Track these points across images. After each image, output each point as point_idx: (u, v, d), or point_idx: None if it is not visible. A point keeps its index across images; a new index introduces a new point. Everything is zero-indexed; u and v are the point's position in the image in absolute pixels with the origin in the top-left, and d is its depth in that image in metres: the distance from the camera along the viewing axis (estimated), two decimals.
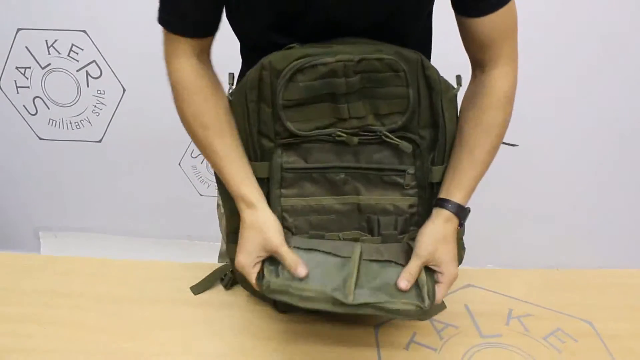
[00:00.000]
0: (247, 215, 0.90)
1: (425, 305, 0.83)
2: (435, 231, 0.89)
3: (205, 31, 0.91)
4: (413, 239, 0.91)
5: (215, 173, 0.95)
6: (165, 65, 0.92)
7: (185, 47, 0.89)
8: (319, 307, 0.82)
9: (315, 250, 0.90)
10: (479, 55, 0.92)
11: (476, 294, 1.09)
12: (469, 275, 1.13)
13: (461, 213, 0.90)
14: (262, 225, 0.88)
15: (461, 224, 0.92)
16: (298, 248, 0.90)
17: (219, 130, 0.90)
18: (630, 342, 0.98)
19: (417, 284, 0.86)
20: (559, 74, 1.83)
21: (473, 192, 0.92)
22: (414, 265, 0.87)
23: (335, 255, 0.89)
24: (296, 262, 0.85)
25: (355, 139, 0.89)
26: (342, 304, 0.80)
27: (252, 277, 0.89)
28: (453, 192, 0.90)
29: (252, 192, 0.90)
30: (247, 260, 0.88)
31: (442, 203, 0.90)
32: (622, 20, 1.76)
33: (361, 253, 0.89)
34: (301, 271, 0.84)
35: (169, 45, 0.90)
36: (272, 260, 0.89)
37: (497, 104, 0.90)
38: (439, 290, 0.88)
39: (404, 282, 0.85)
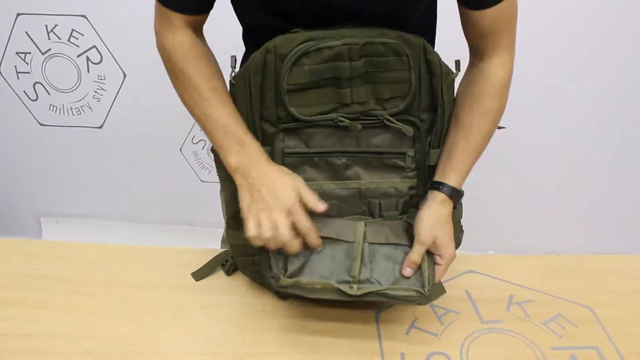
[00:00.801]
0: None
1: (425, 290, 0.86)
2: (433, 215, 0.90)
3: (202, 8, 0.91)
4: (412, 217, 0.93)
5: (215, 157, 0.95)
6: (157, 37, 0.92)
7: (180, 22, 0.89)
8: (325, 297, 0.85)
9: (322, 237, 0.91)
10: (478, 44, 0.92)
11: (477, 279, 1.09)
12: (470, 261, 1.13)
13: (455, 196, 0.92)
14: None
15: (455, 207, 0.93)
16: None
17: (226, 98, 0.90)
18: (631, 327, 0.98)
19: (419, 270, 0.89)
20: (561, 64, 1.82)
21: (467, 176, 0.94)
22: (417, 253, 0.88)
23: (340, 240, 0.90)
24: (315, 199, 0.86)
25: (359, 126, 0.89)
26: (346, 294, 0.84)
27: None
28: (448, 175, 0.92)
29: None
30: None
31: (437, 186, 0.91)
32: (622, 11, 1.75)
33: (365, 235, 0.91)
34: (320, 207, 0.86)
35: (163, 20, 0.90)
36: (278, 251, 0.89)
37: (493, 91, 0.91)
38: (438, 272, 0.90)
39: (408, 271, 0.88)
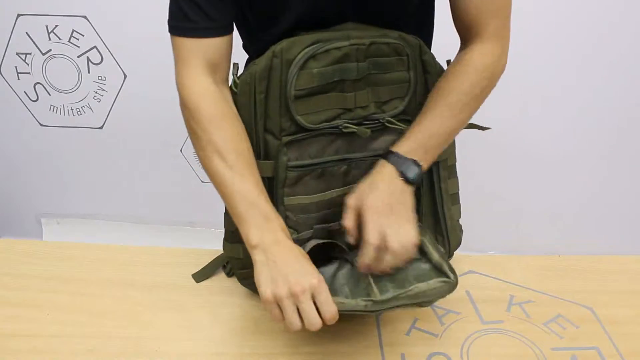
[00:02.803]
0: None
1: (452, 278, 0.83)
2: (363, 182, 0.87)
3: (220, 27, 0.85)
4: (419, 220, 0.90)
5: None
6: (177, 86, 0.87)
7: (197, 63, 0.84)
8: (350, 309, 0.80)
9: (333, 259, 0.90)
10: (465, 33, 0.91)
11: (477, 280, 1.09)
12: (471, 261, 1.13)
13: (398, 161, 0.85)
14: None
15: (409, 180, 0.85)
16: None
17: (251, 163, 0.85)
18: (631, 327, 0.98)
19: (434, 266, 0.86)
20: (562, 65, 1.82)
21: (424, 149, 0.87)
22: (348, 218, 0.85)
23: (349, 272, 0.89)
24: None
25: (368, 131, 0.88)
26: (373, 302, 0.80)
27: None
28: (395, 144, 0.88)
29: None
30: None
31: (385, 154, 0.88)
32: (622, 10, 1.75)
33: None
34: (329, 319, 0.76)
35: (180, 65, 0.85)
36: None
37: (461, 73, 0.88)
38: (364, 250, 0.83)
39: (350, 239, 0.86)
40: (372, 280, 0.85)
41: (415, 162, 0.86)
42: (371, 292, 0.82)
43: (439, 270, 0.85)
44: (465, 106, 0.88)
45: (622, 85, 1.86)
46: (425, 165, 0.87)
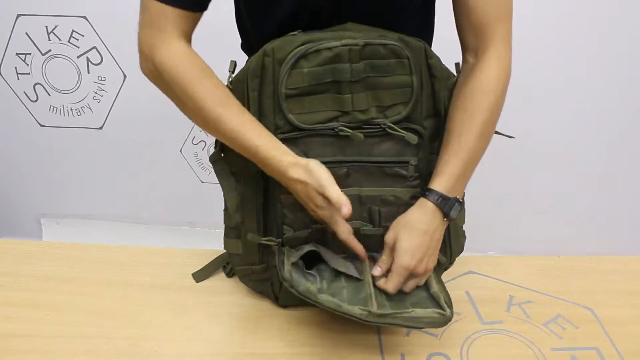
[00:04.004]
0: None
1: (447, 312, 0.83)
2: (405, 218, 0.88)
3: (200, 3, 0.85)
4: None
5: (215, 167, 0.93)
6: (145, 52, 0.85)
7: (174, 29, 0.83)
8: (346, 312, 0.81)
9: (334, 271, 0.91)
10: (471, 40, 0.90)
11: (477, 280, 1.09)
12: (470, 261, 1.13)
13: (442, 202, 0.86)
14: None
15: (447, 215, 0.87)
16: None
17: (240, 108, 0.85)
18: (631, 328, 0.99)
19: (432, 296, 0.88)
20: (561, 65, 1.82)
21: (463, 181, 0.88)
22: (383, 257, 0.89)
23: (347, 276, 0.90)
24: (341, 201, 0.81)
25: (361, 136, 0.86)
26: (369, 313, 0.80)
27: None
28: (435, 180, 0.87)
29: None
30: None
31: (423, 192, 0.88)
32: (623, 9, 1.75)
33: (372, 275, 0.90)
34: (345, 211, 0.80)
35: (153, 30, 0.83)
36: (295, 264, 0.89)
37: (485, 87, 0.87)
38: (390, 281, 0.87)
39: (377, 269, 0.89)
40: (373, 293, 0.86)
41: (458, 200, 0.87)
42: (370, 304, 0.83)
43: (435, 302, 0.87)
44: (492, 123, 0.88)
45: (623, 86, 1.86)
46: (462, 195, 0.89)
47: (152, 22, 0.83)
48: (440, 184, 0.86)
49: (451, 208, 0.87)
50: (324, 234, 0.94)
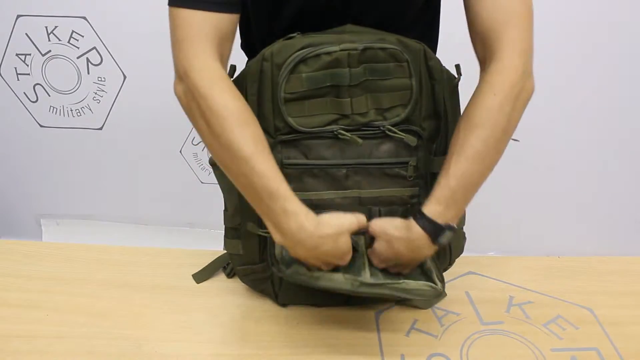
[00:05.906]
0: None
1: (438, 287, 0.85)
2: (394, 229, 0.85)
3: (231, 4, 0.81)
4: None
5: (214, 169, 0.93)
6: (182, 71, 0.80)
7: (206, 44, 0.79)
8: (338, 286, 0.83)
9: None
10: (479, 48, 0.86)
11: (477, 281, 1.10)
12: (470, 262, 1.13)
13: (431, 227, 0.81)
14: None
15: (435, 241, 0.82)
16: None
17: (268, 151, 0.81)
18: (631, 328, 0.98)
19: (424, 272, 0.90)
20: (560, 67, 1.82)
21: (454, 206, 0.82)
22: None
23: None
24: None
25: (360, 141, 0.85)
26: (361, 283, 0.82)
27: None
28: (426, 203, 0.83)
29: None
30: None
31: (416, 213, 0.83)
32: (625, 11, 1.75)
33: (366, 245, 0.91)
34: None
35: (183, 44, 0.78)
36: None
37: (483, 115, 0.81)
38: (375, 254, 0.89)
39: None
40: (367, 263, 0.88)
41: (449, 227, 0.82)
42: (363, 273, 0.85)
43: (427, 276, 0.89)
44: (490, 151, 0.82)
45: (623, 87, 1.86)
46: (457, 221, 0.84)
47: (183, 35, 0.79)
48: (430, 206, 0.82)
49: (439, 235, 0.82)
50: None
